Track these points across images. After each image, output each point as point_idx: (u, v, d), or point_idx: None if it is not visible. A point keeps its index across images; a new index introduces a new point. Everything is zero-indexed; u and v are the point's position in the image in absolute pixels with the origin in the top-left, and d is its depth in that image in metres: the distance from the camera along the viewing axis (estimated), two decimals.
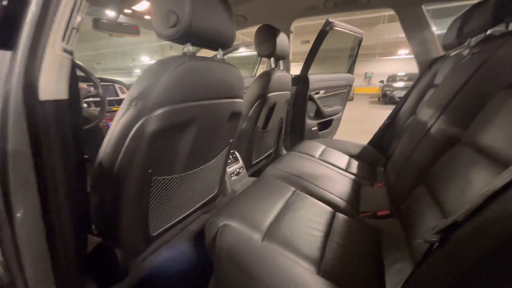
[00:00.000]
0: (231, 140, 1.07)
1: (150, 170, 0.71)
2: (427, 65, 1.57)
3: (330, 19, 1.86)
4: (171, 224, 0.92)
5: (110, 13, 1.44)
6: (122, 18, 1.58)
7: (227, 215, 0.78)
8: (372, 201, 1.08)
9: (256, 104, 1.39)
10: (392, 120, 1.72)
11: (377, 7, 1.61)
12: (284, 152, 2.12)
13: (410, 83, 9.90)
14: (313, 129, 2.26)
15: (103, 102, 1.33)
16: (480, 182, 0.56)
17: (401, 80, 10.73)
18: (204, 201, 1.06)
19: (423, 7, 1.50)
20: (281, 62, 1.62)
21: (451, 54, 1.32)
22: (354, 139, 2.10)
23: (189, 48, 0.76)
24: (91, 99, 1.54)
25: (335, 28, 1.93)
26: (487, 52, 0.78)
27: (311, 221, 0.84)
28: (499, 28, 0.89)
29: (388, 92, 10.51)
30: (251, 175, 1.70)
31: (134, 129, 0.63)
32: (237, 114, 0.99)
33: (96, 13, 1.44)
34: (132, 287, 0.86)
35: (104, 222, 0.77)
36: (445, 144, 0.76)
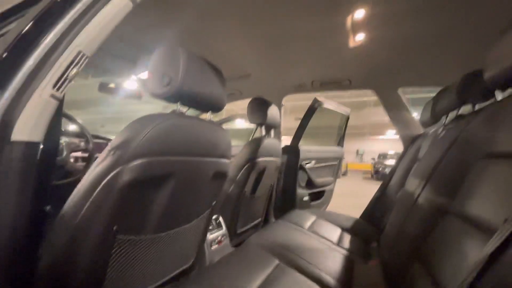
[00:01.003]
0: (214, 202, 1.01)
1: (115, 227, 0.64)
2: (410, 141, 1.66)
3: (318, 98, 2.06)
4: None
5: (117, 78, 1.59)
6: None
7: None
8: (366, 281, 0.96)
9: (245, 168, 1.39)
10: (382, 194, 1.70)
11: (359, 88, 1.81)
12: (274, 221, 2.00)
13: None
14: (304, 199, 2.20)
15: (90, 157, 1.31)
16: (475, 255, 0.50)
17: (391, 158, 11.20)
18: (176, 272, 0.93)
19: (399, 90, 1.68)
20: (272, 131, 1.70)
21: (430, 132, 1.41)
22: (350, 214, 2.03)
23: (179, 107, 0.80)
24: (80, 154, 1.53)
25: (323, 106, 2.11)
26: (459, 127, 0.83)
27: None
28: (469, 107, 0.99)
29: (380, 169, 10.85)
30: (236, 245, 1.55)
31: (107, 179, 0.60)
32: (222, 174, 0.97)
33: (103, 77, 1.58)
34: None
35: (54, 271, 0.64)
36: (434, 216, 0.73)
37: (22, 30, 0.53)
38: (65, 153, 1.26)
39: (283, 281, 0.80)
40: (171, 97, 0.73)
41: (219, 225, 1.36)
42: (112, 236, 0.64)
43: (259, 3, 0.97)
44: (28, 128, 0.50)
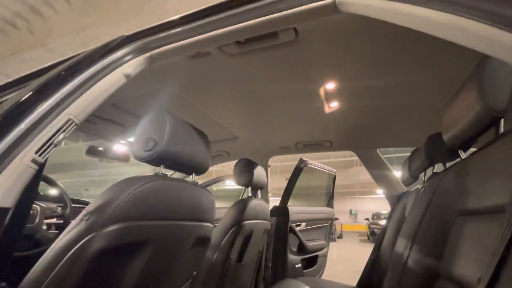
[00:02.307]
0: (195, 272, 0.93)
1: None
2: (395, 199, 1.67)
3: (304, 158, 2.13)
4: None
5: (106, 142, 1.62)
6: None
7: None
8: None
9: (230, 232, 1.32)
10: (376, 256, 1.61)
11: (340, 149, 1.91)
12: None
13: None
14: (297, 266, 2.04)
15: (65, 225, 1.24)
16: None
17: (385, 218, 10.94)
18: None
19: (377, 151, 1.78)
20: (259, 193, 1.69)
21: (412, 189, 1.44)
22: (345, 279, 1.86)
23: (162, 170, 0.81)
24: (54, 220, 1.44)
25: (309, 165, 2.17)
26: (434, 185, 0.87)
27: None
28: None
29: (375, 230, 10.48)
30: None
31: (75, 247, 0.56)
32: (204, 240, 0.92)
33: (93, 141, 1.62)
34: None
35: None
36: (427, 280, 0.69)
37: (20, 99, 0.58)
38: (37, 219, 1.18)
39: None
40: (155, 160, 0.75)
41: None
42: None
43: (245, 71, 1.09)
44: (0, 192, 0.49)
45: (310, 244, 2.19)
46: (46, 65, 0.77)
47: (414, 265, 0.75)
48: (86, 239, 0.56)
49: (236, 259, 1.39)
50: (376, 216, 11.61)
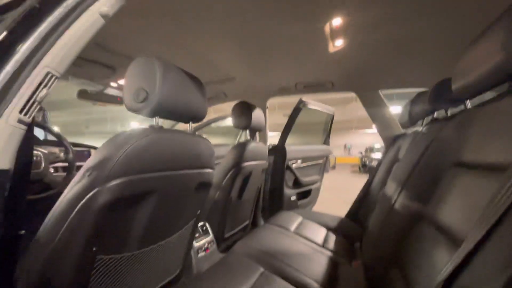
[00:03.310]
0: (199, 212, 1.01)
1: (94, 248, 0.63)
2: (391, 141, 1.71)
3: (303, 98, 2.08)
4: None
5: (96, 85, 1.54)
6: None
7: None
8: (350, 283, 0.99)
9: (230, 174, 1.39)
10: (366, 193, 1.75)
11: (341, 90, 1.84)
12: (262, 223, 2.02)
13: None
14: (292, 198, 2.23)
15: (71, 168, 1.28)
16: (444, 264, 0.53)
17: (378, 151, 11.48)
18: (163, 283, 0.93)
19: (379, 91, 1.72)
20: (257, 135, 1.71)
21: (409, 132, 1.45)
22: (337, 209, 2.06)
23: (157, 121, 0.79)
24: (60, 164, 1.49)
25: (308, 106, 2.14)
26: (433, 133, 0.87)
27: None
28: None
29: (367, 162, 11.14)
30: (224, 250, 1.56)
31: (83, 200, 0.59)
32: (206, 184, 0.97)
33: (82, 84, 1.53)
34: None
35: None
36: (410, 221, 0.75)
37: None
38: (43, 165, 1.22)
39: None
40: (148, 112, 0.72)
41: (205, 232, 1.36)
42: (92, 257, 0.63)
43: (242, 6, 0.96)
44: None
45: (304, 180, 2.35)
46: None
47: (401, 208, 0.81)
48: (91, 194, 0.59)
49: (236, 197, 1.51)
50: (369, 149, 12.13)
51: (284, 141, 2.19)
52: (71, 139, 1.32)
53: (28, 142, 0.58)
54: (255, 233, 1.28)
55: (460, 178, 0.62)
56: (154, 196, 0.72)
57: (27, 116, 0.53)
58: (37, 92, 0.53)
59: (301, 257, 1.09)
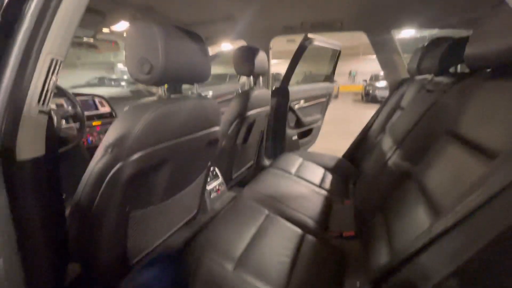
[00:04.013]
0: (209, 163, 1.12)
1: (127, 208, 0.75)
2: (396, 85, 1.68)
3: (309, 35, 1.93)
4: (151, 249, 0.96)
5: (88, 31, 1.43)
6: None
7: (202, 247, 0.84)
8: (341, 221, 1.17)
9: (235, 123, 1.44)
10: (364, 135, 1.83)
11: (350, 30, 1.70)
12: (266, 162, 2.19)
13: None
14: (293, 138, 2.34)
15: (82, 122, 1.33)
16: (421, 223, 0.64)
17: (383, 79, 11.04)
18: (183, 222, 1.11)
19: (392, 32, 1.59)
20: (260, 79, 1.67)
21: (416, 78, 1.42)
22: (336, 142, 2.16)
23: (165, 89, 0.80)
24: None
25: (314, 43, 2.00)
26: (436, 94, 0.88)
27: (280, 247, 0.91)
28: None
29: (370, 91, 10.80)
30: (232, 187, 1.76)
31: (110, 174, 0.67)
32: (215, 141, 1.04)
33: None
34: None
35: (83, 253, 0.80)
36: (399, 178, 0.85)
37: None
38: (55, 121, 1.27)
39: (271, 229, 0.98)
40: (155, 83, 0.73)
41: (215, 176, 1.51)
42: (126, 214, 0.76)
43: None
44: (29, 148, 0.53)
45: (306, 119, 2.41)
46: None
47: (393, 166, 0.90)
48: (115, 169, 0.66)
49: (241, 142, 1.60)
50: (374, 77, 11.62)
51: (288, 82, 2.15)
52: (64, 72, 1.32)
53: (50, 125, 0.62)
54: (261, 178, 1.43)
55: (450, 148, 0.67)
56: (169, 163, 0.81)
57: (45, 105, 0.55)
58: (48, 81, 0.54)
59: (300, 198, 1.26)
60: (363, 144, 1.82)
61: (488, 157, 0.51)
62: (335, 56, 2.56)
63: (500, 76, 0.59)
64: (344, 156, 1.97)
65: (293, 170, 1.59)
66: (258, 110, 1.59)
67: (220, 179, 1.53)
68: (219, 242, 0.87)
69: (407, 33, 4.19)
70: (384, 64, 1.73)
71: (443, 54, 0.86)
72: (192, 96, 0.89)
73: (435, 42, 1.15)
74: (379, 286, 0.55)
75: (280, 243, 0.93)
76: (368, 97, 10.90)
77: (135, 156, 0.68)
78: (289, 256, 0.87)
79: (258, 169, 2.06)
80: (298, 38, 2.00)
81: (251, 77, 1.59)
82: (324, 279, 0.82)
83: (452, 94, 0.78)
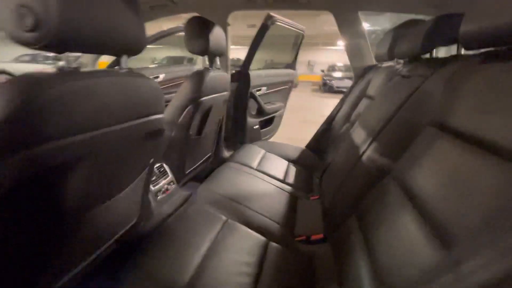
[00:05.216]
0: (152, 160, 0.89)
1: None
2: (361, 72, 1.61)
3: (271, 13, 1.75)
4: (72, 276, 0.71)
5: None
6: None
7: (139, 278, 0.64)
8: (308, 221, 1.06)
9: (186, 110, 1.21)
10: (328, 125, 1.75)
11: (316, 8, 1.56)
12: (226, 154, 2.00)
13: (347, 73, 10.79)
14: (255, 127, 2.18)
15: None
16: (409, 233, 0.53)
17: (340, 70, 11.50)
18: (121, 232, 0.88)
19: (359, 13, 1.49)
20: (217, 60, 1.45)
21: (383, 65, 1.36)
22: (295, 130, 2.06)
23: (70, 59, 0.54)
24: None
25: (277, 23, 1.83)
26: (415, 80, 0.78)
27: (241, 260, 0.75)
28: None
29: (327, 81, 11.23)
30: (186, 183, 1.54)
31: None
32: (157, 132, 0.81)
33: None
34: None
35: None
36: (375, 176, 0.74)
37: None
38: None
39: (230, 239, 0.81)
40: (49, 47, 0.48)
41: (163, 173, 1.27)
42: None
43: None
44: None
45: (268, 108, 2.26)
46: None
47: (369, 162, 0.79)
48: None
49: (195, 133, 1.38)
50: (331, 68, 12.03)
51: (248, 66, 1.95)
52: None
53: None
54: (219, 174, 1.24)
55: (439, 142, 0.57)
56: (84, 162, 0.57)
57: None
58: None
59: (263, 197, 1.11)
60: (327, 135, 1.74)
61: (493, 153, 0.41)
62: (298, 41, 2.44)
63: (503, 58, 0.49)
64: (307, 146, 1.88)
65: (255, 164, 1.43)
66: (215, 95, 1.38)
67: (170, 177, 1.29)
68: (159, 271, 0.67)
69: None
70: (350, 49, 1.64)
71: (425, 36, 0.75)
72: (119, 72, 0.64)
73: (407, 25, 1.07)
74: None
75: (241, 256, 0.77)
76: (325, 87, 11.31)
77: (13, 157, 0.43)
78: (252, 270, 0.72)
79: (216, 162, 1.86)
80: (259, 23, 1.80)
81: (206, 57, 1.36)
82: None
83: (435, 80, 0.69)
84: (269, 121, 2.41)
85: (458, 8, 0.66)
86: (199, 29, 1.20)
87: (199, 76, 1.23)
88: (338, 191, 0.92)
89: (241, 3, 1.61)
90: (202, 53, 1.28)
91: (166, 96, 0.86)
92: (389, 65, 1.27)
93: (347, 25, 1.55)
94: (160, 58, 7.35)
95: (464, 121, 0.52)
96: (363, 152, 0.83)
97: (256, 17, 1.89)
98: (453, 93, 0.59)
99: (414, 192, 0.57)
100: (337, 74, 11.17)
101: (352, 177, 0.86)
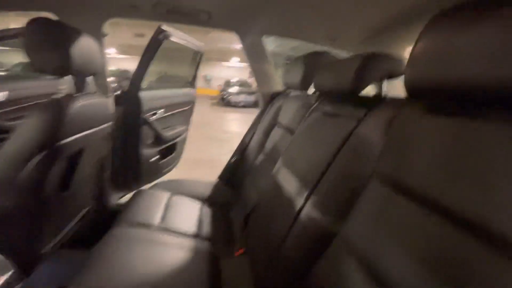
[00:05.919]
0: None
1: None
2: (269, 98, 1.55)
3: (164, 27, 1.45)
4: None
5: None
6: None
7: None
8: (235, 282, 0.83)
9: (31, 163, 0.76)
10: (241, 156, 1.59)
11: (220, 27, 1.40)
12: (113, 201, 1.50)
13: (242, 88, 11.57)
14: (152, 160, 1.77)
15: None
16: None
17: (235, 85, 12.20)
18: None
19: (262, 39, 1.43)
20: (89, 81, 1.03)
21: (292, 94, 1.32)
22: (201, 149, 1.80)
23: None
24: None
25: (171, 39, 1.54)
26: (345, 121, 0.70)
27: None
28: None
29: (225, 96, 11.77)
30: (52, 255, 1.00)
31: None
32: None
33: None
34: None
35: None
36: (321, 239, 0.60)
37: None
38: None
39: None
40: None
41: None
42: None
43: None
44: None
45: (168, 134, 1.90)
46: None
47: (309, 221, 0.64)
48: None
49: (56, 189, 0.91)
50: (227, 83, 12.64)
51: (139, 86, 1.55)
52: None
53: None
54: (98, 255, 0.82)
55: (394, 204, 0.47)
56: None
57: None
58: None
59: (172, 276, 0.80)
60: (241, 165, 1.57)
61: (463, 226, 0.34)
62: (197, 58, 2.21)
63: (453, 113, 0.43)
64: (220, 177, 1.65)
65: (156, 219, 1.08)
66: (89, 132, 0.97)
67: (6, 276, 0.77)
68: None
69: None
70: (256, 73, 1.55)
71: (356, 73, 0.66)
72: None
73: (315, 56, 1.05)
74: None
75: None
76: (223, 101, 11.79)
77: None
78: None
79: (100, 215, 1.36)
80: (150, 33, 1.47)
81: (70, 78, 0.94)
82: None
83: (370, 124, 0.61)
84: (170, 148, 2.04)
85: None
86: (52, 38, 0.79)
87: (56, 109, 0.80)
88: (275, 256, 0.73)
89: (122, 10, 1.23)
90: (60, 72, 0.86)
91: None
92: (299, 94, 1.24)
93: (252, 48, 1.45)
94: (12, 64, 4.73)
95: (423, 183, 0.43)
96: (301, 208, 0.68)
97: (145, 27, 1.54)
98: (400, 144, 0.51)
99: (376, 267, 0.45)
100: (233, 89, 11.84)
101: (292, 238, 0.68)
